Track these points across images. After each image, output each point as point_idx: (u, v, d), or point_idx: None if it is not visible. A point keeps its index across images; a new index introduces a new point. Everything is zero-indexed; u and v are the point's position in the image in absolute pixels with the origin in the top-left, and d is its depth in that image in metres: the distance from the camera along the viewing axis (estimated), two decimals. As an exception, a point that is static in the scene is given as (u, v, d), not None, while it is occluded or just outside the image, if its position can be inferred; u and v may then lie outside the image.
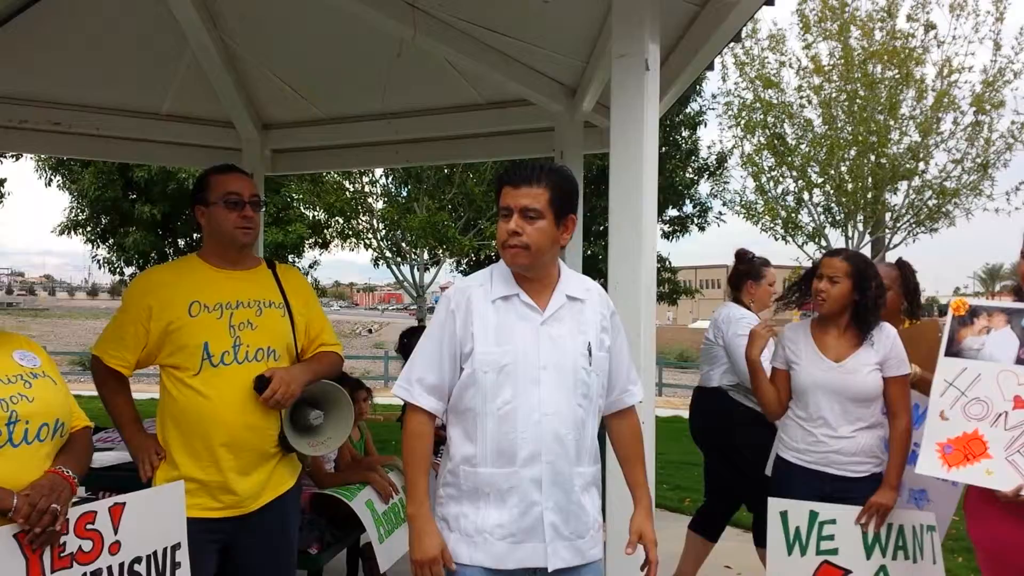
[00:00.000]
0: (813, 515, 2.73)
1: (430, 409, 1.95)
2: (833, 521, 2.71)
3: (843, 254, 2.91)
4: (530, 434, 1.89)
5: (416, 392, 1.94)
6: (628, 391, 2.11)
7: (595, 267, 11.18)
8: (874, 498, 2.68)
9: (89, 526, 1.86)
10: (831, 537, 2.71)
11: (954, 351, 2.42)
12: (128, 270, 13.01)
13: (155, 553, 2.00)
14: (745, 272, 3.92)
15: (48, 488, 1.75)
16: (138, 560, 1.96)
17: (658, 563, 2.03)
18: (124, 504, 1.94)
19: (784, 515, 2.77)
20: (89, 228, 12.72)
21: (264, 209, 2.66)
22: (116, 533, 1.91)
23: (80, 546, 1.83)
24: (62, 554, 1.79)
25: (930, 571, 2.63)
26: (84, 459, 1.96)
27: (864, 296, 2.80)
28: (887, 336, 2.83)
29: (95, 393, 2.39)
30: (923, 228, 13.89)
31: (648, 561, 2.02)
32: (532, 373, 1.91)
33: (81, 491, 3.08)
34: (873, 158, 13.35)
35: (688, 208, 14.54)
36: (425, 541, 1.89)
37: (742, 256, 3.96)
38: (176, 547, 2.06)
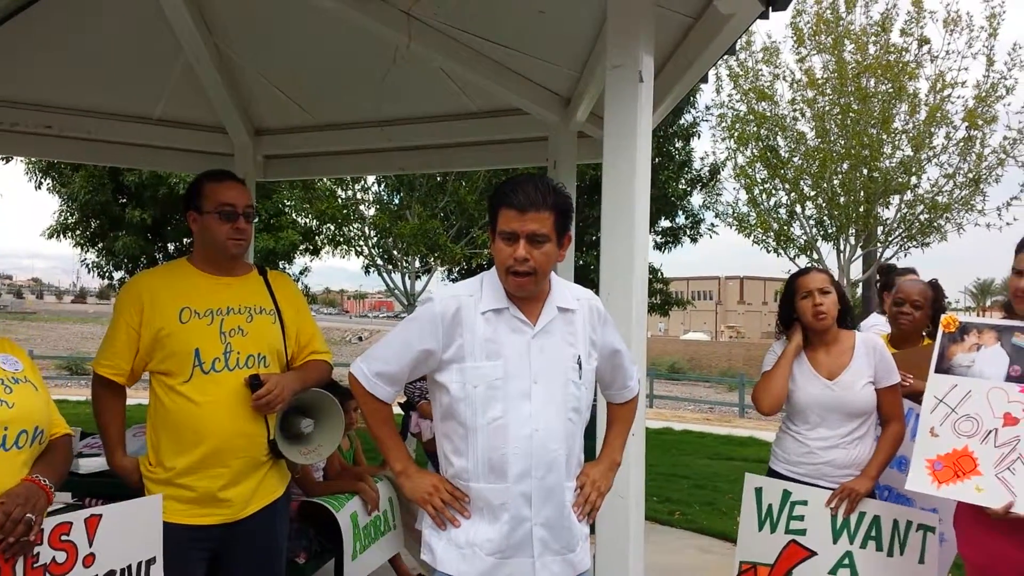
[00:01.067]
0: (786, 494, 2.77)
1: (386, 399, 1.99)
2: (805, 502, 2.74)
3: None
4: (521, 449, 1.87)
5: (373, 383, 1.97)
6: (627, 387, 2.17)
7: (587, 277, 11.16)
8: (848, 483, 2.69)
9: (64, 537, 1.81)
10: (801, 518, 2.74)
11: (944, 368, 2.42)
12: (117, 274, 12.89)
13: (129, 567, 1.96)
14: (884, 284, 4.29)
15: (23, 497, 1.72)
16: (112, 574, 1.92)
17: (594, 503, 2.01)
18: (100, 516, 1.90)
19: (759, 491, 2.82)
20: (79, 232, 12.57)
21: (256, 216, 2.65)
22: (91, 545, 1.87)
23: (54, 557, 1.79)
24: (35, 564, 1.74)
25: (914, 569, 2.59)
26: (62, 467, 1.93)
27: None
28: (875, 348, 2.83)
29: (81, 398, 2.37)
30: (915, 242, 13.92)
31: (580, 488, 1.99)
32: (523, 387, 1.88)
33: (67, 497, 3.05)
34: (866, 172, 13.40)
35: (680, 219, 14.53)
36: (423, 480, 1.95)
37: (882, 269, 4.38)
38: (151, 562, 2.02)
